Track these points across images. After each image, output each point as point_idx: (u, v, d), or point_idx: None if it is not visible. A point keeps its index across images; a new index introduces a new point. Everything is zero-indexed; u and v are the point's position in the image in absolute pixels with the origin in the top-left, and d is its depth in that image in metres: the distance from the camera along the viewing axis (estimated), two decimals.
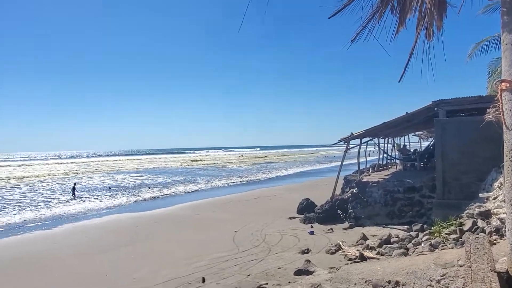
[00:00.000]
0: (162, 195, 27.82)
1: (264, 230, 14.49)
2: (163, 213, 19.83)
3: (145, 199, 25.94)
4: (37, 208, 22.65)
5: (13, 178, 44.64)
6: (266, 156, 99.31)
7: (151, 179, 41.70)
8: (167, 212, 20.28)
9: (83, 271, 10.62)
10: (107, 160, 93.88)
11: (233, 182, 36.35)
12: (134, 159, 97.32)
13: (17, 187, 35.00)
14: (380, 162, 23.76)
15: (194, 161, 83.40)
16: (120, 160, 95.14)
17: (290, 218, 16.87)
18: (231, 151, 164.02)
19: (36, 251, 12.96)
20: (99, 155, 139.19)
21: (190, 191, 30.35)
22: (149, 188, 32.00)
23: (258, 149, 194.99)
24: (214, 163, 72.82)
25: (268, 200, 22.78)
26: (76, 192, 27.70)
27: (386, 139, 25.62)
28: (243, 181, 37.88)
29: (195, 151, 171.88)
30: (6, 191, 31.92)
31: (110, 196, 27.73)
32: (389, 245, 9.93)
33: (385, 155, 23.76)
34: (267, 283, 8.24)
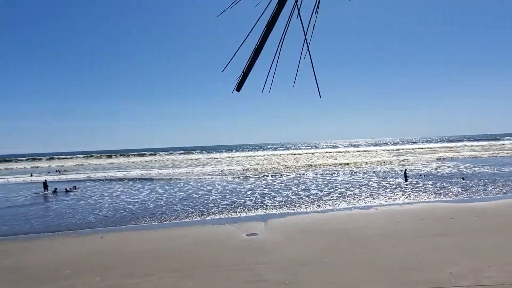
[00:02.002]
0: (479, 187, 24.36)
1: None
2: (486, 208, 17.31)
3: (457, 189, 23.59)
4: (360, 190, 25.45)
5: (338, 164, 52.34)
6: None
7: (469, 168, 37.47)
8: (490, 206, 17.54)
9: (396, 252, 10.94)
10: (414, 148, 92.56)
11: None
12: (441, 147, 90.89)
13: (341, 171, 40.85)
14: None
15: None
16: (430, 148, 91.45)
17: None
18: None
19: (353, 226, 14.63)
20: (403, 143, 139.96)
21: None
22: (463, 179, 28.87)
23: None
24: None
25: None
26: (408, 177, 29.66)
27: None
28: None
29: None
30: (333, 173, 37.96)
31: (422, 183, 27.20)
32: None
33: None
34: None
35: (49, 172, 57.99)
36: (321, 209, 19.19)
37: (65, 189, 31.86)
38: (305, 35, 2.49)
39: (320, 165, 50.32)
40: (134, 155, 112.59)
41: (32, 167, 77.08)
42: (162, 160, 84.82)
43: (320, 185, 28.31)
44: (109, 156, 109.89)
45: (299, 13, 2.46)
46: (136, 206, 22.03)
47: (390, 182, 28.42)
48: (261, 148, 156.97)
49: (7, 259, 12.35)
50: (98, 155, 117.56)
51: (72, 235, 15.56)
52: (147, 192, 28.42)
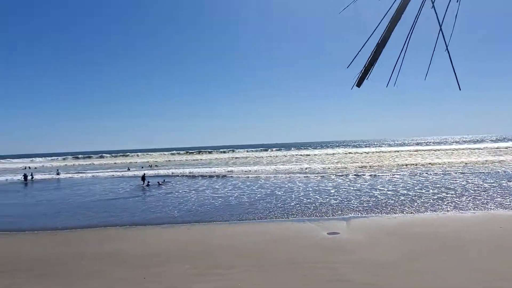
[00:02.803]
0: None
1: None
2: None
3: None
4: (456, 193, 23.29)
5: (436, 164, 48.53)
6: None
7: None
8: None
9: (496, 260, 9.77)
10: None
11: None
12: None
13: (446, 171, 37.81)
14: None
15: None
16: None
17: None
18: None
19: (447, 231, 13.41)
20: (506, 140, 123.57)
21: None
22: None
23: None
24: None
25: None
26: None
27: None
28: None
29: None
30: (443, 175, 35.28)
31: None
32: None
33: None
34: None
35: (142, 167, 63.73)
36: (410, 210, 17.96)
37: (158, 182, 34.73)
38: (441, 27, 2.31)
39: (408, 164, 47.11)
40: (215, 152, 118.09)
41: (130, 162, 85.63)
42: (243, 157, 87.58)
43: (409, 185, 26.45)
44: (190, 153, 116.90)
45: (433, 3, 2.30)
46: (219, 201, 22.99)
47: (493, 185, 25.43)
48: (341, 145, 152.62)
49: (107, 244, 13.83)
50: (184, 152, 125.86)
51: (162, 226, 16.84)
52: (229, 188, 29.53)
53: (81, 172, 56.29)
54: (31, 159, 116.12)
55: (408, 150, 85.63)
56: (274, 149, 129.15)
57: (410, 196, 21.77)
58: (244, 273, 9.76)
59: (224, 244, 13.09)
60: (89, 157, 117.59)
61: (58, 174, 53.68)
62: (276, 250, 11.91)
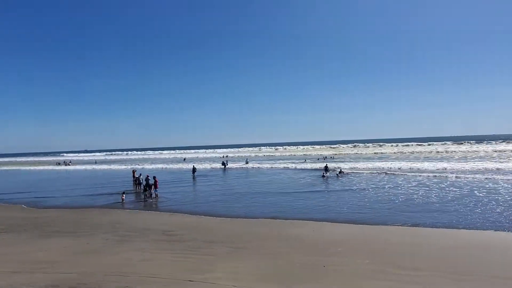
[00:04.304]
0: None
1: None
2: None
3: None
4: None
5: None
6: None
7: None
8: None
9: None
10: None
11: None
12: None
13: None
14: None
15: None
16: None
17: None
18: None
19: None
20: None
21: None
22: None
23: None
24: None
25: None
26: None
27: None
28: None
29: None
30: None
31: None
32: None
33: None
34: None
35: (318, 159, 65.49)
36: None
37: (336, 174, 34.95)
38: None
39: None
40: (392, 145, 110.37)
41: (304, 154, 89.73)
42: (427, 151, 78.78)
43: None
44: (365, 147, 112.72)
45: None
46: (401, 199, 21.19)
47: None
48: None
49: (285, 231, 14.86)
50: (353, 145, 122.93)
51: (338, 220, 16.67)
52: (413, 184, 27.01)
53: (265, 162, 62.04)
54: (214, 150, 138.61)
55: None
56: (464, 141, 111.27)
57: None
58: (433, 278, 8.81)
59: (404, 243, 12.15)
60: (262, 148, 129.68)
61: (247, 163, 60.73)
62: (474, 261, 10.21)
